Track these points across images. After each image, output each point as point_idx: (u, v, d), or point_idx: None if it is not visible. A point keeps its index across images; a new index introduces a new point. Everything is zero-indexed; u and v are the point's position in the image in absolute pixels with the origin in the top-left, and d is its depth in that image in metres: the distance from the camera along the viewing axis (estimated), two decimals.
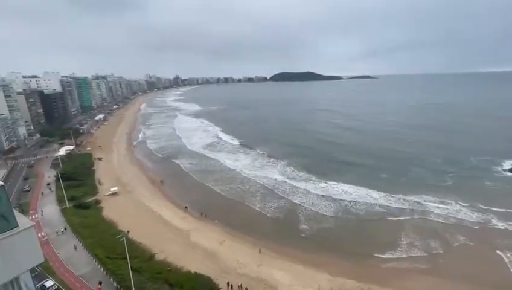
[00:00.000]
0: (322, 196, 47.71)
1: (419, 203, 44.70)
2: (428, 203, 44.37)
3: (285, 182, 54.10)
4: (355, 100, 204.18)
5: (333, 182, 53.21)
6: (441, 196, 46.36)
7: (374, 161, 64.40)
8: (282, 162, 65.97)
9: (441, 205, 43.65)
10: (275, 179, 55.58)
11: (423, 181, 52.68)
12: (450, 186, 50.33)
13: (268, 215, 42.48)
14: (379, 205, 44.55)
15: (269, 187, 51.95)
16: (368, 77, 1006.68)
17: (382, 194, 47.86)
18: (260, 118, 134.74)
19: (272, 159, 68.74)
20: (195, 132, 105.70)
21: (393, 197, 46.75)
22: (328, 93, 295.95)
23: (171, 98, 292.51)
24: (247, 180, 55.90)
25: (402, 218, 40.97)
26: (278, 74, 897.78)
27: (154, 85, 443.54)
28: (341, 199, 46.50)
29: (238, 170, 61.27)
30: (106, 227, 39.32)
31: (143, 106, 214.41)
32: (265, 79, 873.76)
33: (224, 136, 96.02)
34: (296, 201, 46.43)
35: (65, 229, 38.64)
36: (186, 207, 46.30)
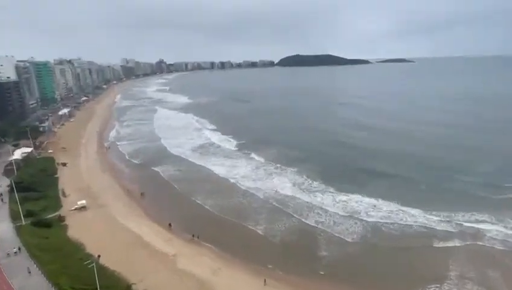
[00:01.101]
0: (344, 215, 47.35)
1: (469, 223, 44.24)
2: (482, 224, 43.90)
3: (296, 196, 53.80)
4: (384, 91, 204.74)
5: (357, 195, 53.14)
6: (497, 214, 45.88)
7: (407, 168, 64.31)
8: (292, 169, 66.01)
9: (498, 227, 43.08)
10: (283, 193, 55.35)
11: (473, 195, 52.35)
12: (508, 201, 49.84)
13: (275, 241, 41.90)
14: (418, 226, 44.04)
15: (275, 203, 51.64)
16: (402, 60, 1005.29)
17: (420, 211, 47.49)
18: (264, 113, 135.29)
19: (278, 166, 68.76)
20: (183, 131, 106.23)
21: (434, 215, 46.34)
22: (350, 82, 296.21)
23: (153, 87, 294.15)
24: (247, 194, 55.75)
25: (451, 244, 40.10)
26: (289, 58, 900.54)
27: (132, 71, 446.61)
28: (368, 219, 46.14)
29: (235, 181, 61.25)
30: (72, 250, 39.39)
31: (118, 97, 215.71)
32: (271, 64, 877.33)
33: (219, 137, 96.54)
34: (310, 222, 45.94)
35: (19, 249, 38.72)
36: (170, 224, 46.46)
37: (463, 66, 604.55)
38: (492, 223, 43.93)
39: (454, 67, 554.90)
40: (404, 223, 44.93)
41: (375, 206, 49.50)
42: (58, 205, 52.35)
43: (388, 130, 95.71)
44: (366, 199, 51.76)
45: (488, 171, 61.36)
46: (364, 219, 46.17)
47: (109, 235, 43.67)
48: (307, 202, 51.68)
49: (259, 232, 43.90)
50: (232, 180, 61.73)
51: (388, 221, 45.39)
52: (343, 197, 52.94)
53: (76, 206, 51.24)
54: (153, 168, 70.67)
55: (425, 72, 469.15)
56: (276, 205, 51.36)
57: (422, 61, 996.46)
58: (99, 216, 49.22)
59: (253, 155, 76.80)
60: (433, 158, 69.76)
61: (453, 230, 42.95)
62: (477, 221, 44.69)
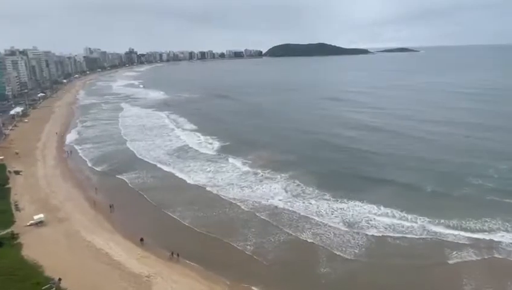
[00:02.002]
0: (343, 227, 47.60)
1: (482, 232, 44.90)
2: (497, 233, 44.61)
3: (287, 207, 53.72)
4: (385, 85, 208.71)
5: (356, 202, 53.85)
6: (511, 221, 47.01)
7: (410, 171, 65.50)
8: (283, 175, 66.41)
9: None
10: (273, 202, 55.21)
11: (483, 200, 53.57)
12: None
13: (267, 260, 41.30)
14: (425, 239, 44.21)
15: (264, 216, 51.24)
16: (406, 49, 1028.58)
17: (426, 219, 48.16)
18: (250, 111, 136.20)
19: (267, 171, 68.92)
20: (156, 133, 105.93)
21: (443, 224, 46.96)
22: (348, 75, 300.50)
23: (122, 81, 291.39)
24: (233, 205, 55.30)
25: (465, 259, 40.04)
26: (278, 47, 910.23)
27: (97, 63, 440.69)
28: (369, 231, 46.52)
29: (218, 190, 60.86)
30: (27, 273, 38.49)
31: (81, 93, 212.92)
32: (259, 54, 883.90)
33: (199, 138, 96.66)
34: (305, 237, 45.59)
35: None
36: (141, 239, 46.13)
37: (475, 55, 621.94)
38: (508, 231, 44.79)
39: (465, 57, 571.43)
40: (410, 235, 45.18)
41: (376, 214, 50.19)
42: (10, 221, 51.05)
43: (389, 130, 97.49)
44: (366, 207, 52.38)
45: (501, 175, 62.98)
46: (365, 231, 46.42)
47: (72, 254, 42.88)
48: (300, 213, 51.76)
49: (248, 253, 42.93)
50: (215, 189, 61.44)
51: (392, 233, 45.61)
52: (340, 204, 53.51)
53: (32, 222, 50.09)
54: (121, 176, 69.79)
55: (432, 62, 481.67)
56: (266, 218, 50.90)
57: (428, 50, 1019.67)
58: (60, 232, 48.26)
59: (239, 159, 76.90)
60: (439, 160, 71.27)
61: (465, 242, 43.14)
62: (490, 230, 45.42)
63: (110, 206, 55.95)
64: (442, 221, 47.71)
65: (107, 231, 49.55)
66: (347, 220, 49.21)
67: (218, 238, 46.15)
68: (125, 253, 43.57)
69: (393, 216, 49.62)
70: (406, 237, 44.91)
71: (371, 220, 48.76)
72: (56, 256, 42.04)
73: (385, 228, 46.81)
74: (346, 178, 64.29)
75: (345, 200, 54.72)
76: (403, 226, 47.03)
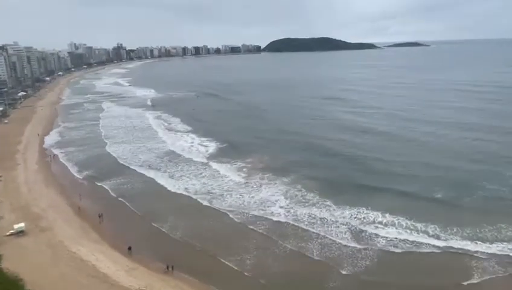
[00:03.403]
0: (348, 240, 47.11)
1: (500, 242, 44.47)
2: None
3: (287, 217, 53.25)
4: (392, 83, 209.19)
5: (362, 209, 54.05)
6: None
7: (418, 178, 65.59)
8: (284, 180, 66.71)
9: None
10: (274, 216, 54.23)
11: (498, 206, 53.75)
12: None
13: (267, 282, 40.07)
14: (439, 253, 43.40)
15: (263, 230, 50.33)
16: (416, 44, 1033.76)
17: (438, 229, 47.83)
18: (247, 112, 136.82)
19: (267, 175, 69.29)
20: (147, 134, 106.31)
21: (457, 235, 46.48)
22: (352, 71, 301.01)
23: (109, 79, 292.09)
24: (226, 216, 54.82)
25: (485, 277, 38.89)
26: (278, 41, 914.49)
27: (83, 60, 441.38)
28: (377, 243, 46.28)
29: (210, 199, 60.30)
30: (7, 288, 38.30)
31: (65, 92, 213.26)
32: (258, 49, 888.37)
33: (192, 141, 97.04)
34: (308, 251, 44.87)
35: None
36: (129, 248, 46.40)
37: (487, 50, 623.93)
38: None
39: (478, 52, 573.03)
40: (424, 247, 44.45)
41: (382, 224, 50.03)
42: None
43: (393, 133, 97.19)
44: (372, 214, 52.43)
45: None
46: (373, 244, 45.77)
47: (55, 266, 42.88)
48: (302, 223, 51.49)
49: (244, 272, 41.74)
50: (208, 197, 61.31)
51: (403, 246, 44.93)
52: (343, 212, 53.62)
53: (12, 231, 50.01)
54: (103, 183, 69.82)
55: (443, 57, 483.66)
56: (265, 232, 50.08)
57: (439, 44, 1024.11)
58: (43, 243, 48.22)
59: (234, 162, 77.46)
60: (449, 165, 71.27)
61: (483, 257, 42.13)
62: (510, 240, 45.01)
63: (99, 216, 55.62)
64: (454, 229, 47.44)
65: (93, 241, 49.52)
66: (352, 229, 49.23)
67: (212, 252, 45.53)
68: (112, 264, 43.60)
69: (401, 226, 49.34)
70: (419, 251, 44.06)
71: (378, 229, 48.69)
72: (38, 269, 42.02)
73: (395, 241, 46.01)
74: (346, 185, 64.09)
75: (348, 207, 54.82)
76: (413, 238, 46.40)
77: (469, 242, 44.83)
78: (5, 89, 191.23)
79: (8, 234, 49.69)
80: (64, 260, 44.28)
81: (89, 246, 47.91)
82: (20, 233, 50.04)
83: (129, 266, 43.49)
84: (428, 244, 45.10)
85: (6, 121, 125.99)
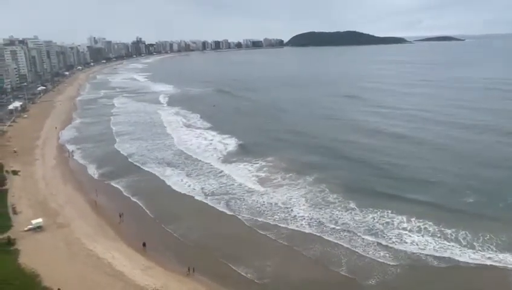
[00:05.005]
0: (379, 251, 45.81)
1: None
2: None
3: (310, 228, 51.49)
4: (420, 80, 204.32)
5: (387, 212, 53.36)
6: None
7: (444, 183, 63.86)
8: (305, 182, 66.25)
9: None
10: (294, 220, 53.57)
11: None
12: None
13: None
14: (476, 264, 41.75)
15: (284, 240, 49.04)
16: (449, 38, 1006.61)
17: (469, 235, 46.77)
18: (269, 108, 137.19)
19: (289, 175, 69.17)
20: (166, 130, 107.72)
21: (492, 242, 45.24)
22: (377, 68, 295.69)
23: (128, 74, 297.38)
24: (244, 220, 54.46)
25: None
26: (302, 35, 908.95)
27: (102, 54, 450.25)
28: (405, 247, 45.45)
29: (227, 202, 60.13)
30: (24, 283, 39.72)
31: (84, 87, 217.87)
32: (280, 43, 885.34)
33: (212, 137, 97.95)
34: (334, 265, 43.30)
35: None
36: (144, 244, 47.30)
37: None
38: None
39: None
40: (457, 258, 42.94)
41: (407, 229, 49.21)
42: (7, 225, 52.52)
43: (420, 136, 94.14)
44: (396, 219, 51.71)
45: None
46: (399, 253, 44.54)
47: (72, 263, 43.97)
48: (322, 234, 49.99)
49: (264, 282, 41.02)
50: (226, 198, 61.37)
51: (431, 258, 43.31)
52: (366, 216, 53.08)
53: (30, 226, 51.40)
54: (122, 179, 71.04)
55: (477, 52, 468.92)
56: (284, 242, 48.72)
57: (476, 39, 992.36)
58: (60, 239, 49.52)
59: (254, 161, 77.74)
60: (480, 171, 69.15)
61: None
62: None
63: (120, 215, 56.45)
64: (488, 236, 46.19)
65: (110, 238, 50.59)
66: (376, 235, 48.53)
67: (229, 257, 45.14)
68: (129, 263, 44.43)
69: (429, 232, 48.31)
70: (448, 257, 42.86)
71: (404, 236, 47.73)
72: (55, 265, 43.19)
73: (424, 249, 44.64)
74: (368, 189, 62.93)
75: (371, 211, 54.21)
76: (443, 246, 45.07)
77: (508, 254, 42.78)
78: (25, 84, 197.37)
79: (26, 229, 51.15)
80: (81, 257, 45.35)
81: (105, 243, 48.92)
82: (38, 229, 51.45)
83: (145, 264, 44.20)
84: (460, 252, 43.80)
85: (25, 115, 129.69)
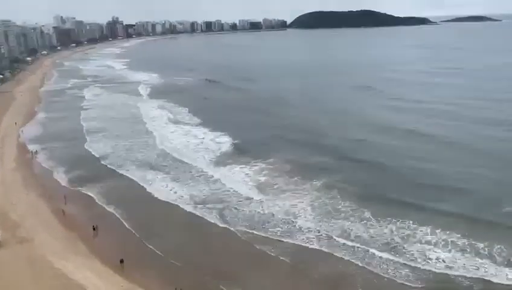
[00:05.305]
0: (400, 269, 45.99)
1: None
2: None
3: (318, 243, 50.84)
4: (446, 68, 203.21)
5: (408, 222, 53.22)
6: None
7: (480, 191, 63.38)
8: (316, 183, 66.44)
9: None
10: (300, 233, 53.16)
11: None
12: None
13: None
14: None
15: (288, 260, 48.21)
16: (482, 18, 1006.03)
17: (506, 250, 46.29)
18: (268, 103, 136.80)
19: (293, 179, 69.14)
20: (146, 127, 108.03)
21: None
22: (396, 54, 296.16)
23: (103, 61, 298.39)
24: (236, 233, 54.16)
25: None
26: (308, 15, 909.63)
27: (71, 36, 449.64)
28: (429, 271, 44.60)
29: (220, 211, 59.66)
30: None
31: (50, 76, 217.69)
32: (283, 25, 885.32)
33: (204, 135, 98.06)
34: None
35: None
36: (121, 261, 47.21)
37: None
38: None
39: None
40: (484, 273, 42.60)
41: (432, 243, 48.87)
42: None
43: (446, 135, 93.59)
44: (419, 231, 51.41)
45: None
46: (423, 274, 43.87)
47: (36, 285, 43.57)
48: (332, 250, 49.51)
49: None
50: (219, 207, 61.00)
51: (462, 279, 42.61)
52: (383, 228, 52.82)
53: None
54: (95, 185, 70.80)
55: None
56: (286, 258, 48.35)
57: None
58: (21, 257, 48.99)
59: (253, 162, 78.05)
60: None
61: None
62: None
63: (94, 228, 56.04)
64: None
65: (82, 255, 50.12)
66: (392, 247, 48.40)
67: (222, 279, 44.40)
68: (104, 284, 44.19)
69: (457, 246, 47.85)
70: (485, 286, 41.48)
71: (428, 251, 47.42)
72: (15, 288, 42.81)
73: (452, 268, 44.00)
74: (385, 196, 62.82)
75: (389, 219, 54.16)
76: (476, 264, 44.31)
77: None
78: None
79: None
80: (47, 279, 44.75)
81: (75, 261, 48.41)
82: None
83: (124, 286, 43.87)
84: (497, 272, 43.05)
85: None
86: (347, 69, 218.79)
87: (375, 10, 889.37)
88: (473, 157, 79.13)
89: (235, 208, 60.40)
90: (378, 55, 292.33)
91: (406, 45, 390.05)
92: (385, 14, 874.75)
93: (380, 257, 47.15)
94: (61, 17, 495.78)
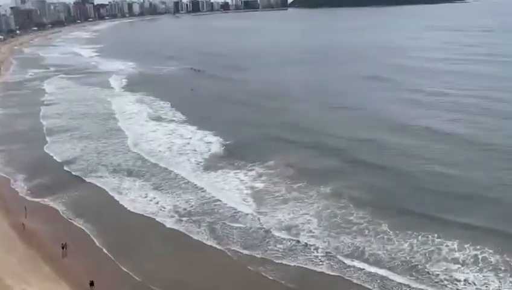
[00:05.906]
0: None
1: None
2: None
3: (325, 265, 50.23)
4: (474, 54, 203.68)
5: (435, 237, 52.85)
6: None
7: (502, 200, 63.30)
8: (323, 190, 66.43)
9: None
10: (304, 253, 52.60)
11: None
12: None
13: None
14: None
15: (289, 284, 47.26)
16: None
17: None
18: (266, 92, 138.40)
19: (297, 186, 69.05)
20: (120, 126, 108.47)
21: None
22: (416, 37, 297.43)
23: (71, 47, 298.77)
24: (228, 252, 53.67)
25: None
26: None
27: (32, 18, 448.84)
28: None
29: (209, 225, 59.39)
30: None
31: (7, 65, 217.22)
32: (283, 3, 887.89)
33: (191, 135, 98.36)
34: None
35: None
36: (91, 283, 46.59)
37: None
38: None
39: None
40: None
41: (459, 261, 48.42)
42: None
43: (471, 133, 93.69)
44: (445, 247, 50.96)
45: None
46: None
47: None
48: (342, 274, 48.60)
49: None
50: (208, 220, 60.59)
51: None
52: (403, 243, 52.55)
53: None
54: (68, 195, 70.83)
55: None
56: (291, 285, 47.13)
57: None
58: None
59: (248, 167, 77.76)
60: None
61: None
62: None
63: (63, 247, 55.25)
64: None
65: (45, 277, 49.61)
66: (413, 266, 47.88)
67: None
68: None
69: (489, 263, 47.43)
70: None
71: (455, 272, 46.75)
72: None
73: None
74: (404, 205, 62.61)
75: (409, 233, 53.73)
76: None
77: None
78: None
79: None
80: None
81: (39, 284, 47.98)
82: None
83: None
84: None
85: None
86: (359, 56, 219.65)
87: None
88: (506, 160, 78.86)
89: (227, 222, 59.87)
90: (395, 39, 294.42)
91: (430, 26, 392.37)
92: None
93: (400, 278, 46.53)
94: None
